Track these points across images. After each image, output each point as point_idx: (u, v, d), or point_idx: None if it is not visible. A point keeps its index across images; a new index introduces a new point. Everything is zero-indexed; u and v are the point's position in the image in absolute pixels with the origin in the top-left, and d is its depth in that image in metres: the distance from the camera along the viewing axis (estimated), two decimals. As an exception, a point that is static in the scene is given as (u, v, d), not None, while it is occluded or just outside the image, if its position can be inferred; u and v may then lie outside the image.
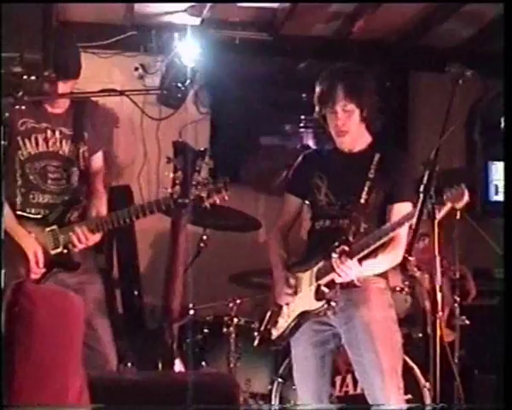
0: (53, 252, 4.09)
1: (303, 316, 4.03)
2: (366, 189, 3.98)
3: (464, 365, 5.31)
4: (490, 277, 6.20)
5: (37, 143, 4.16)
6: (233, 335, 5.05)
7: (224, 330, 5.09)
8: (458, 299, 5.26)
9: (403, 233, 3.90)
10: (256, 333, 4.25)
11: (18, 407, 1.86)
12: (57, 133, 4.22)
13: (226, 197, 3.98)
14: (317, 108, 4.09)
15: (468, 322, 5.24)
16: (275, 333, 4.14)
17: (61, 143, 4.23)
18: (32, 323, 1.91)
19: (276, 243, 4.26)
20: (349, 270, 3.83)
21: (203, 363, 5.19)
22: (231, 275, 5.59)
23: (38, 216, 4.12)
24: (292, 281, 4.08)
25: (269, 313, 4.19)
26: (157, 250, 6.24)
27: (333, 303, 3.94)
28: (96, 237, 4.14)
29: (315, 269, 4.01)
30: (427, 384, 4.69)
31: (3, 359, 1.89)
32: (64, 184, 4.22)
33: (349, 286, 3.92)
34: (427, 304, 5.45)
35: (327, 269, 3.94)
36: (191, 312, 5.10)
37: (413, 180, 3.90)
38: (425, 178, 3.20)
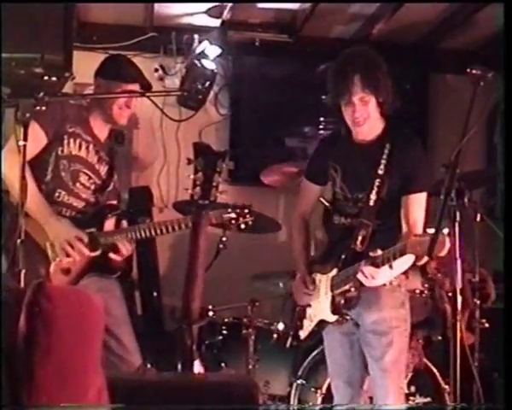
0: (92, 254, 4.10)
1: (322, 323, 4.03)
2: (375, 188, 3.86)
3: (484, 368, 5.28)
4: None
5: (80, 147, 4.22)
6: (252, 336, 5.05)
7: (244, 331, 5.08)
8: (478, 302, 5.23)
9: (419, 221, 3.81)
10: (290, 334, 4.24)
11: (37, 407, 1.87)
12: (97, 152, 4.30)
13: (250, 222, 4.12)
14: (330, 98, 3.93)
15: (487, 325, 5.21)
16: (302, 334, 4.13)
17: (98, 160, 4.30)
18: (51, 323, 1.91)
19: (299, 234, 4.24)
20: (377, 279, 3.74)
21: (222, 364, 5.20)
22: (252, 276, 5.58)
23: (66, 214, 4.15)
24: (310, 281, 4.07)
25: (296, 313, 4.18)
26: (176, 251, 6.24)
27: (347, 317, 3.93)
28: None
29: (330, 276, 3.97)
30: (447, 387, 4.67)
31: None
32: (90, 195, 4.28)
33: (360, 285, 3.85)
34: (448, 307, 5.43)
35: (341, 280, 3.90)
36: (210, 313, 5.11)
37: (427, 167, 3.89)
38: (446, 180, 3.18)
